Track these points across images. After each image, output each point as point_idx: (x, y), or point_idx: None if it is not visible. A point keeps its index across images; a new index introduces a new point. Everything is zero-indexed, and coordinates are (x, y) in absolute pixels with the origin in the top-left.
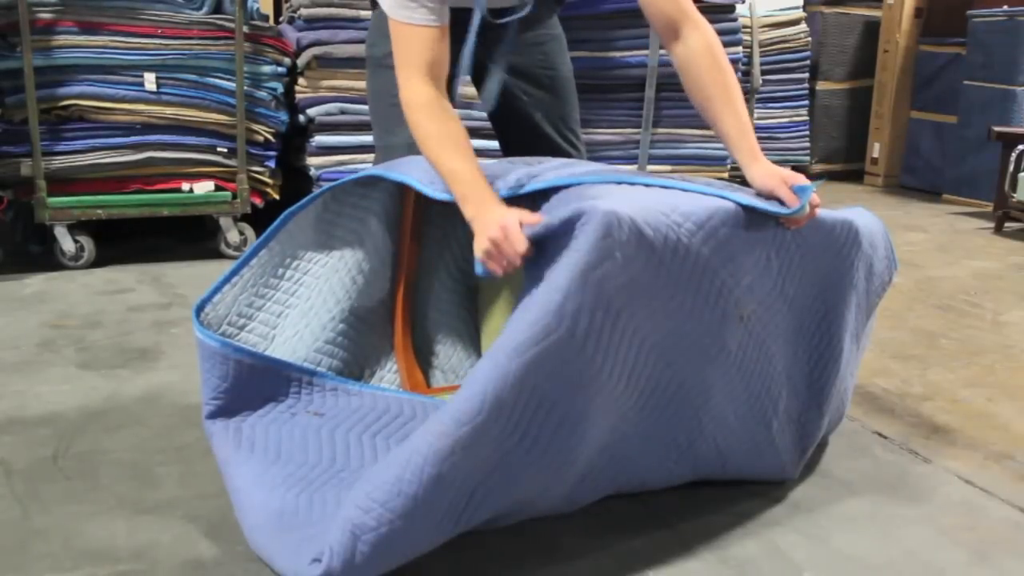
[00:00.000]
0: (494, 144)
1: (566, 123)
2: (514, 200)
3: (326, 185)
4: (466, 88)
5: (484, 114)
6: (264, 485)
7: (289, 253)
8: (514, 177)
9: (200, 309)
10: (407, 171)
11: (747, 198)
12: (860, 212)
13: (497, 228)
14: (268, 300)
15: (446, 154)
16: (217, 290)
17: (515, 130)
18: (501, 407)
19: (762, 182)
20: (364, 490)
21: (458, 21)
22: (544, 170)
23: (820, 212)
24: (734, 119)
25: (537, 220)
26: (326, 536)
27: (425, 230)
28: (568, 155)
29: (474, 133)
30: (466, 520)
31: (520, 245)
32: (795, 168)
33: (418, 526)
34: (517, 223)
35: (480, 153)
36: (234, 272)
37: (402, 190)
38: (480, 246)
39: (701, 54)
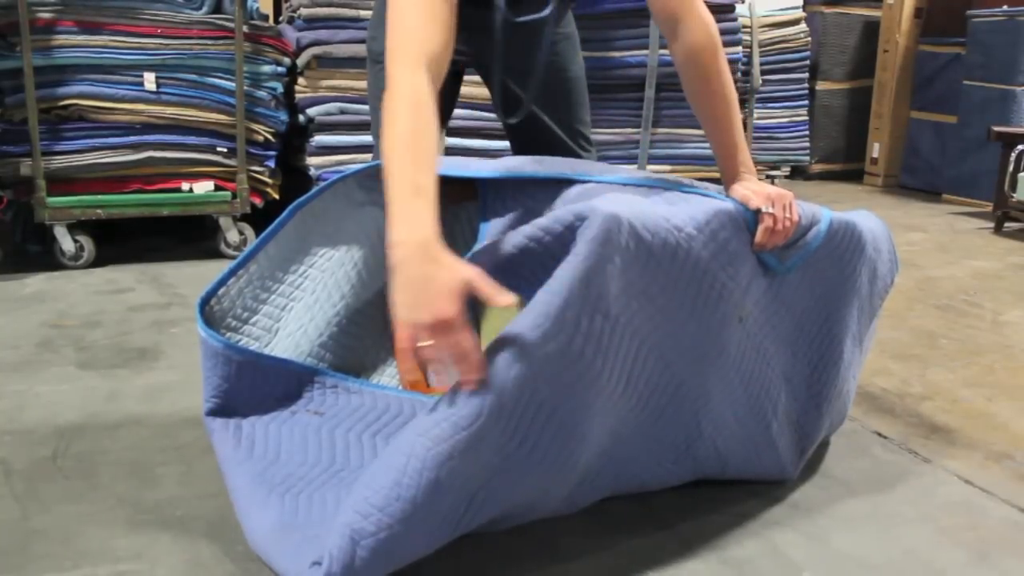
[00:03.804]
0: (496, 144)
1: (576, 124)
2: (509, 183)
3: (333, 177)
4: (467, 88)
5: (489, 114)
6: (264, 484)
7: (295, 246)
8: (516, 165)
9: (204, 303)
10: None
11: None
12: (864, 215)
13: (434, 294)
14: (273, 294)
15: (414, 162)
16: (222, 283)
17: (525, 131)
18: (500, 411)
19: (733, 194)
20: (363, 495)
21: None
22: (545, 167)
23: (823, 215)
24: (725, 134)
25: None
26: (326, 539)
27: None
28: (578, 156)
29: (476, 133)
30: (466, 524)
31: (465, 343)
32: (795, 168)
33: (417, 530)
34: (458, 297)
35: (481, 153)
36: (239, 265)
37: None
38: (402, 330)
39: (700, 57)
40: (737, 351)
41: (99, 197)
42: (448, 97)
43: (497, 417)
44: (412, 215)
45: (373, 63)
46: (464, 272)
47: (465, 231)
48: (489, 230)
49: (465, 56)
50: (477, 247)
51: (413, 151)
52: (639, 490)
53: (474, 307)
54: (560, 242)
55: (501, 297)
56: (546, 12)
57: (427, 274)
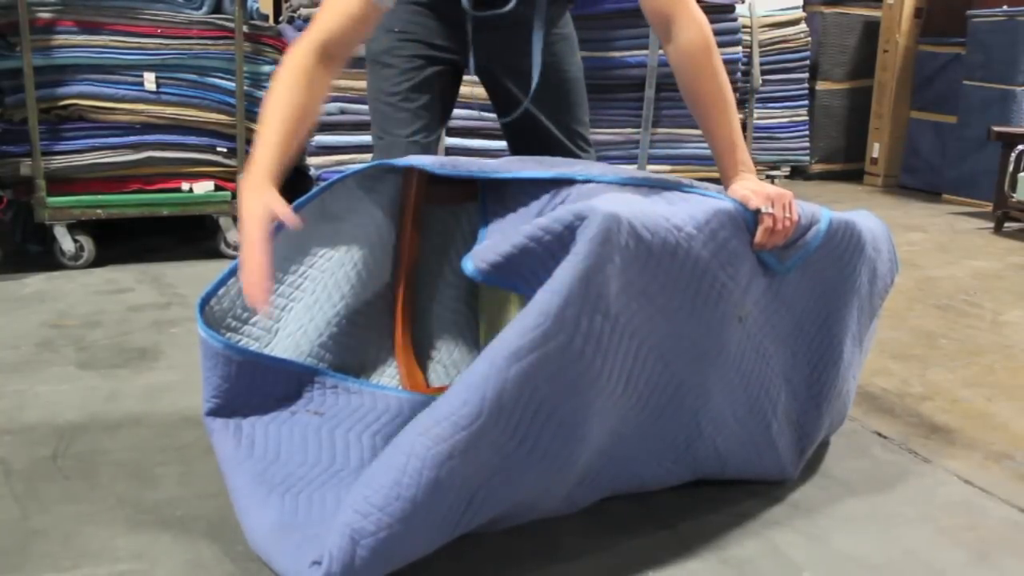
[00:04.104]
0: (496, 144)
1: (574, 125)
2: (509, 183)
3: (333, 177)
4: (467, 88)
5: (489, 114)
6: (264, 484)
7: (295, 246)
8: (516, 165)
9: (204, 303)
10: (414, 159)
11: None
12: (864, 215)
13: (243, 218)
14: (273, 294)
15: (271, 120)
16: (222, 283)
17: (523, 132)
18: (500, 411)
19: (732, 194)
20: (363, 494)
21: (453, 18)
22: (544, 167)
23: (822, 216)
24: (722, 132)
25: (287, 216)
26: (325, 538)
27: (429, 223)
28: (576, 157)
29: (476, 133)
30: (466, 523)
31: (252, 251)
32: (794, 168)
33: (417, 530)
34: (261, 220)
35: (481, 153)
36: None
37: (406, 184)
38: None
39: (694, 57)
40: (737, 351)
41: (99, 197)
42: (448, 97)
43: (497, 416)
44: (254, 163)
45: (372, 63)
46: (267, 202)
47: (465, 231)
48: (489, 230)
49: (457, 55)
50: (477, 247)
51: (278, 112)
52: (639, 490)
53: (474, 306)
54: (560, 242)
55: (294, 221)
56: (507, 8)
57: (244, 204)
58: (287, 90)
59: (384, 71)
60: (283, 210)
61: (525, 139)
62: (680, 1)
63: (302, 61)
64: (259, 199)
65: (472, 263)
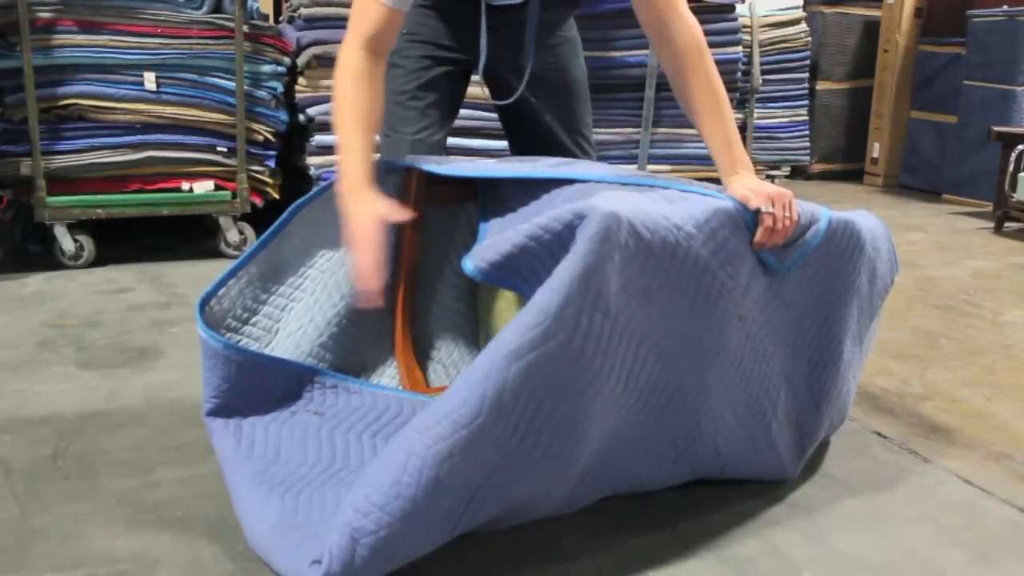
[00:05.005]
0: (496, 144)
1: (577, 127)
2: (509, 183)
3: (333, 178)
4: (473, 88)
5: (489, 114)
6: (264, 484)
7: (296, 247)
8: (516, 165)
9: (205, 303)
10: (414, 160)
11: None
12: (863, 215)
13: (353, 223)
14: (273, 294)
15: (349, 125)
16: (222, 284)
17: (525, 132)
18: (500, 410)
19: (732, 193)
20: (362, 493)
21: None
22: (544, 166)
23: (820, 215)
24: (717, 131)
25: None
26: (325, 537)
27: (429, 224)
28: (577, 158)
29: (476, 133)
30: (466, 522)
31: (366, 251)
32: (794, 168)
33: (417, 529)
34: (373, 224)
35: (481, 153)
36: (240, 266)
37: (406, 184)
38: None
39: (686, 59)
40: (737, 350)
41: (99, 197)
42: (455, 97)
43: (497, 415)
44: (346, 170)
45: (388, 65)
46: (377, 206)
47: (465, 231)
48: (489, 230)
49: (464, 55)
50: (477, 247)
51: (351, 115)
52: (639, 490)
53: (474, 306)
54: (560, 240)
55: (403, 215)
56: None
57: (352, 211)
58: (352, 92)
59: (393, 71)
60: (392, 211)
61: (527, 139)
62: (671, 3)
63: (355, 63)
64: (366, 205)
65: (472, 262)
